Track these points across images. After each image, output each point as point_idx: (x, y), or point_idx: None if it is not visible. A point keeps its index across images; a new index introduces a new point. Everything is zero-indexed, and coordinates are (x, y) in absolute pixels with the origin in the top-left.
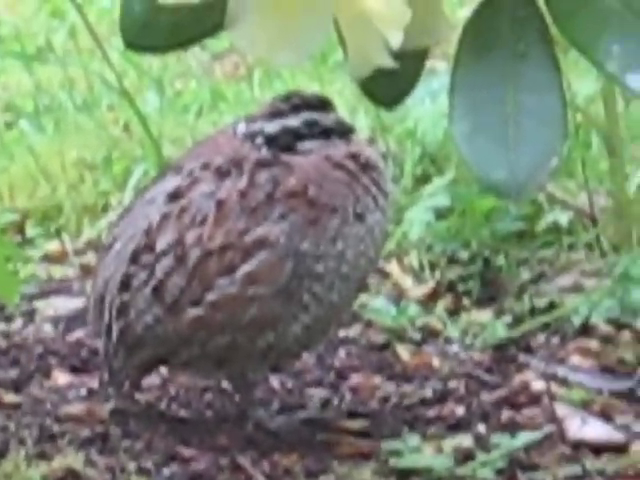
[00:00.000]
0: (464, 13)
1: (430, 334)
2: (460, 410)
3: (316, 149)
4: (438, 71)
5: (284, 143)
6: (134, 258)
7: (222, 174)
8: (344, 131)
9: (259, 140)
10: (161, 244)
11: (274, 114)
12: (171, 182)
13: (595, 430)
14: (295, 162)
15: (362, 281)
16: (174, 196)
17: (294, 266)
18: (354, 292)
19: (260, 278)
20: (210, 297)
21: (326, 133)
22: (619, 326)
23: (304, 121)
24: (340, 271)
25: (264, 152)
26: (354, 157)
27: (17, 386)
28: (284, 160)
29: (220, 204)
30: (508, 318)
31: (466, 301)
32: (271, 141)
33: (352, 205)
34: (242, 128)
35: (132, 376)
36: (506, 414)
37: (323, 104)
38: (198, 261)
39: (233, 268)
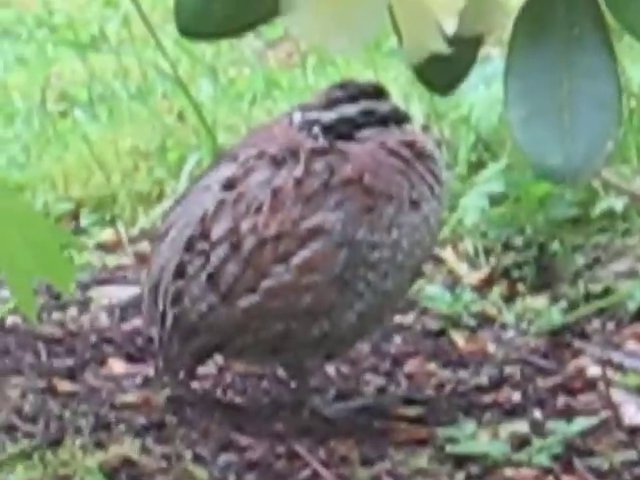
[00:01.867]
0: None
1: (485, 320)
2: (516, 396)
3: (372, 137)
4: (492, 57)
5: (341, 132)
6: (189, 246)
7: (277, 163)
8: (400, 119)
9: (316, 129)
10: (216, 232)
11: (331, 103)
12: (226, 170)
13: None
14: (350, 150)
15: (417, 270)
16: (229, 184)
17: (349, 254)
18: (409, 281)
19: (315, 266)
20: (265, 284)
21: (383, 121)
22: None
23: (361, 110)
24: (395, 260)
25: (320, 141)
26: (409, 145)
27: (72, 375)
28: (339, 148)
29: (275, 192)
30: (563, 304)
31: (521, 287)
32: (328, 130)
33: (407, 193)
34: (298, 117)
35: (187, 364)
36: (562, 400)
37: (379, 92)
38: (253, 249)
39: (288, 256)
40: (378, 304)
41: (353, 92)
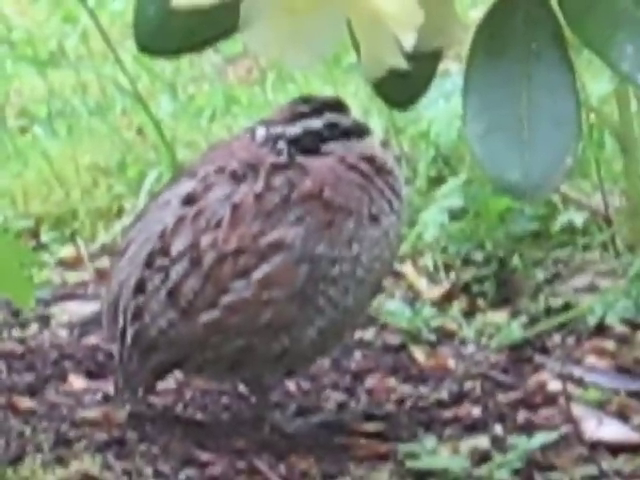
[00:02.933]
0: (476, 14)
1: (445, 335)
2: (476, 411)
3: (334, 151)
4: (451, 72)
5: (306, 146)
6: (149, 262)
7: (237, 178)
8: (362, 132)
9: (281, 144)
10: (176, 247)
11: (295, 117)
12: (185, 186)
13: (612, 430)
14: (310, 165)
15: (377, 285)
16: (189, 200)
17: (309, 269)
18: (369, 296)
19: (275, 281)
20: (225, 300)
21: (346, 134)
22: (635, 326)
23: (326, 123)
24: (355, 274)
25: (281, 156)
26: (369, 160)
27: (33, 391)
28: (299, 163)
29: (235, 207)
30: (523, 319)
31: (481, 302)
32: (293, 144)
33: (367, 207)
34: (262, 132)
35: (146, 380)
36: (522, 415)
37: (341, 106)
38: (213, 264)
39: (248, 271)
40: (339, 320)
41: (317, 106)
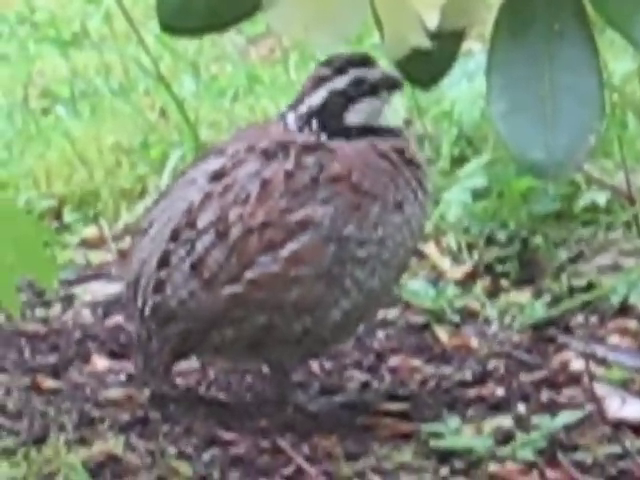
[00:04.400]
0: None
1: (469, 315)
2: (500, 391)
3: (366, 139)
4: (474, 52)
5: (334, 109)
6: (174, 236)
7: (268, 156)
8: (392, 85)
9: (313, 124)
10: (203, 221)
11: (318, 83)
12: (214, 163)
13: (635, 409)
14: (339, 148)
15: (400, 270)
16: (217, 175)
17: (337, 249)
18: (393, 281)
19: (303, 259)
20: (249, 275)
21: (374, 90)
22: None
23: (351, 80)
24: (381, 257)
25: (311, 137)
26: (400, 151)
27: (56, 371)
28: (329, 146)
29: (265, 183)
30: (547, 298)
31: (504, 282)
32: (321, 113)
33: (392, 194)
34: (291, 117)
35: (165, 359)
36: (546, 394)
37: (367, 60)
38: (239, 238)
39: (275, 247)
40: (362, 303)
41: (340, 65)
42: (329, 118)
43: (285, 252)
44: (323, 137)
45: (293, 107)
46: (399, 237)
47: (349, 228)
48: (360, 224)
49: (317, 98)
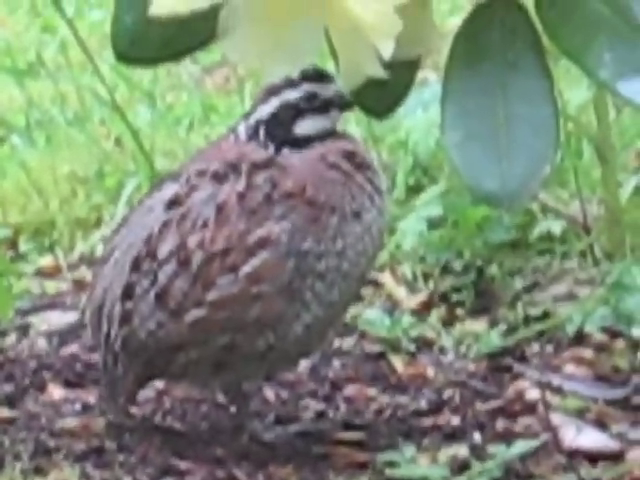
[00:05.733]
0: (454, 23)
1: (424, 344)
2: (455, 420)
3: (314, 146)
4: (429, 81)
5: (284, 120)
6: (135, 266)
7: (219, 178)
8: (344, 104)
9: (261, 134)
10: (163, 251)
11: (270, 93)
12: (169, 190)
13: (590, 438)
14: (290, 164)
15: (361, 281)
16: (173, 203)
17: (296, 264)
18: (352, 293)
19: (263, 276)
20: (211, 297)
21: (325, 106)
22: (613, 334)
23: (303, 94)
24: (341, 269)
25: (265, 150)
26: (349, 156)
27: (12, 401)
28: (279, 162)
29: (220, 207)
30: (502, 327)
31: (460, 311)
32: (270, 123)
33: (349, 204)
34: (242, 127)
35: (130, 387)
36: (501, 423)
37: (322, 75)
38: (201, 264)
39: (235, 268)
40: (324, 316)
41: (294, 78)
42: (277, 128)
43: (244, 271)
44: (271, 148)
45: (245, 117)
46: (360, 246)
47: (308, 242)
48: (318, 237)
49: (268, 108)
